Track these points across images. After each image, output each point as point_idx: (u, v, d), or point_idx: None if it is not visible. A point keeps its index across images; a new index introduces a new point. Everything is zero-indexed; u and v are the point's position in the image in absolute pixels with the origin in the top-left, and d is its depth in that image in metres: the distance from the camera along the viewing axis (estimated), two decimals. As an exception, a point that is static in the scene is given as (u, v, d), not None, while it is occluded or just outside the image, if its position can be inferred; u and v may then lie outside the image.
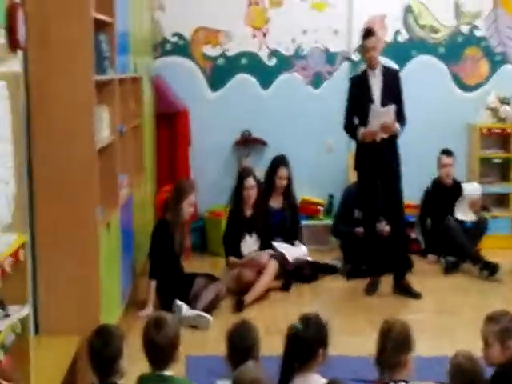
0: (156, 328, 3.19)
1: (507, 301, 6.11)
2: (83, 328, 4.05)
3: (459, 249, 6.92)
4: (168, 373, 3.21)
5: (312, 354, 3.29)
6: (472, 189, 7.15)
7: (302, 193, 7.56)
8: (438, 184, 7.33)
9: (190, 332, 5.41)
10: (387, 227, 6.57)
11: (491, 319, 3.49)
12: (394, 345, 3.22)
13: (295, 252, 6.70)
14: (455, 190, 7.23)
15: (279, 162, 6.98)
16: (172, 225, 5.88)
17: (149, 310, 5.67)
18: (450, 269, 6.93)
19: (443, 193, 7.24)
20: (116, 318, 4.94)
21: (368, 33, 6.22)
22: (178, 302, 5.63)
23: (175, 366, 3.44)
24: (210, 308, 5.76)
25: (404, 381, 3.18)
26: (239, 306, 5.92)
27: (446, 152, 7.27)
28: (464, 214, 7.10)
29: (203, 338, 5.32)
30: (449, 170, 7.22)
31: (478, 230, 7.11)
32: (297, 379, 3.26)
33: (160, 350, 3.16)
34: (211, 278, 6.01)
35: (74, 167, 4.31)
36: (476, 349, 4.20)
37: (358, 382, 4.14)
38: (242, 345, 3.29)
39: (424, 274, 6.90)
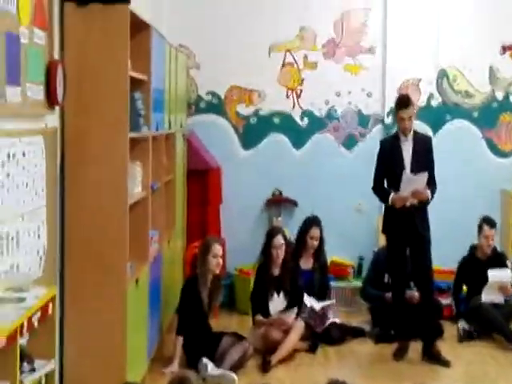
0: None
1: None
2: (108, 384, 4.02)
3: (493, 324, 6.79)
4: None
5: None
6: (502, 275, 6.94)
7: (331, 254, 7.52)
8: (475, 252, 7.14)
9: (215, 391, 5.37)
10: (416, 294, 6.50)
11: None
12: None
13: (322, 303, 6.65)
14: (494, 259, 7.06)
15: (312, 222, 6.97)
16: (201, 280, 5.86)
17: (174, 367, 5.62)
18: (464, 337, 6.75)
19: (481, 262, 7.06)
20: (141, 375, 4.91)
21: (404, 102, 6.15)
22: (204, 360, 5.58)
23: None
24: (236, 367, 5.70)
25: None
26: (265, 367, 5.86)
27: (489, 223, 7.04)
28: (491, 296, 6.91)
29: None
30: (490, 241, 7.05)
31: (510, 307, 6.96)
32: None
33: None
34: (238, 337, 5.96)
35: (106, 223, 4.34)
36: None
37: None
38: None
39: (455, 340, 6.75)
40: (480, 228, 7.04)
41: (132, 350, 4.52)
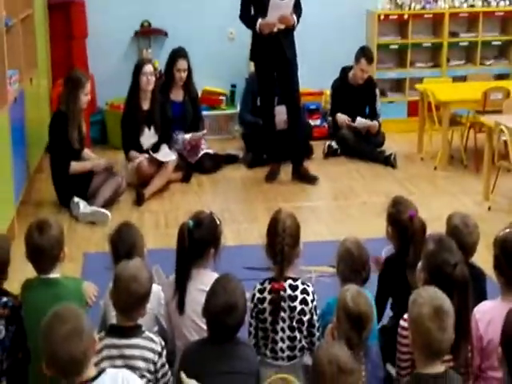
0: (39, 231, 3.14)
1: (399, 182, 6.41)
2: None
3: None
4: (53, 275, 3.17)
5: (203, 253, 3.34)
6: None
7: (204, 84, 7.51)
8: (347, 76, 7.23)
9: (88, 228, 5.45)
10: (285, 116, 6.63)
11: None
12: (287, 241, 3.25)
13: (193, 134, 6.69)
14: (366, 86, 7.20)
15: (178, 54, 6.81)
16: (70, 116, 5.66)
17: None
18: (329, 154, 7.11)
19: (353, 87, 7.20)
20: (9, 220, 4.90)
21: None
22: (76, 199, 5.60)
23: (71, 265, 3.40)
24: (108, 203, 5.76)
25: (292, 278, 3.27)
26: (139, 200, 5.95)
27: (368, 58, 7.07)
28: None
29: (103, 235, 5.29)
30: (365, 74, 7.11)
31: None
32: (193, 271, 3.33)
33: (42, 252, 3.12)
34: (110, 173, 5.96)
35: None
36: (370, 231, 4.47)
37: (251, 270, 4.26)
38: (122, 247, 3.29)
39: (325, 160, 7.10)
40: (357, 58, 7.10)
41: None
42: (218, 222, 3.41)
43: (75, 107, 5.70)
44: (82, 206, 5.57)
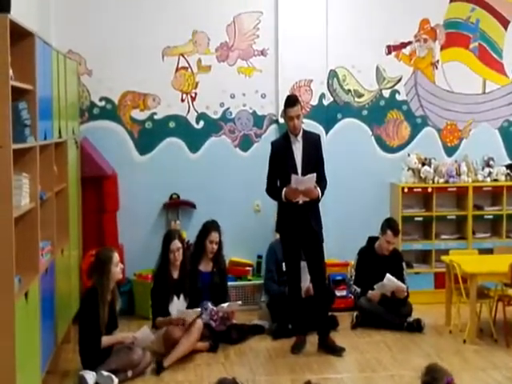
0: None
1: (428, 355, 6.27)
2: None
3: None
4: None
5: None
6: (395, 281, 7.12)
7: (230, 254, 7.63)
8: (374, 245, 7.34)
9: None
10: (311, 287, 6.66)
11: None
12: None
13: (229, 304, 6.78)
14: (392, 257, 7.28)
15: (211, 226, 7.03)
16: (99, 292, 5.75)
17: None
18: (357, 324, 7.08)
19: (379, 257, 7.28)
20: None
21: (291, 101, 6.36)
22: (81, 373, 5.60)
23: None
24: (116, 372, 5.69)
25: None
26: (158, 369, 5.91)
27: (394, 230, 7.21)
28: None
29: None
30: (391, 246, 7.23)
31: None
32: None
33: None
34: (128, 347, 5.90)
35: (-10, 236, 4.27)
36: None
37: None
38: None
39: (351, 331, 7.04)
40: (383, 230, 7.23)
41: (22, 365, 4.45)
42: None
43: (107, 283, 5.77)
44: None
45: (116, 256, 5.91)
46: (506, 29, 8.40)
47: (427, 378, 3.53)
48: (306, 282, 6.67)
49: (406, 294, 7.13)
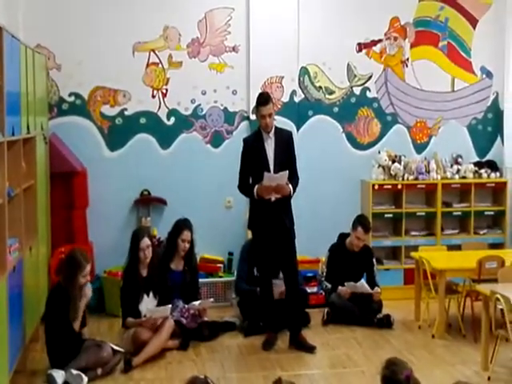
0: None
1: (397, 351, 6.29)
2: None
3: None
4: None
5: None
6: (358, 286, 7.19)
7: (202, 251, 7.61)
8: (345, 241, 7.36)
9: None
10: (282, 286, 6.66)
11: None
12: None
13: (201, 301, 6.76)
14: (362, 253, 7.31)
15: (183, 224, 6.97)
16: (69, 291, 5.69)
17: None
18: (328, 321, 7.11)
19: (349, 253, 7.31)
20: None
21: (264, 99, 6.33)
22: (50, 372, 5.55)
23: None
24: (86, 370, 5.64)
25: None
26: (126, 368, 5.87)
27: (365, 227, 7.24)
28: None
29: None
30: (361, 243, 7.26)
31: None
32: None
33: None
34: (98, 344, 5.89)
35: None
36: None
37: None
38: None
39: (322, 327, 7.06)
40: (354, 226, 7.25)
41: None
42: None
43: (73, 289, 5.70)
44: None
45: (87, 268, 5.77)
46: (474, 28, 8.48)
47: (387, 372, 3.54)
48: (281, 286, 6.67)
49: (380, 295, 7.18)
